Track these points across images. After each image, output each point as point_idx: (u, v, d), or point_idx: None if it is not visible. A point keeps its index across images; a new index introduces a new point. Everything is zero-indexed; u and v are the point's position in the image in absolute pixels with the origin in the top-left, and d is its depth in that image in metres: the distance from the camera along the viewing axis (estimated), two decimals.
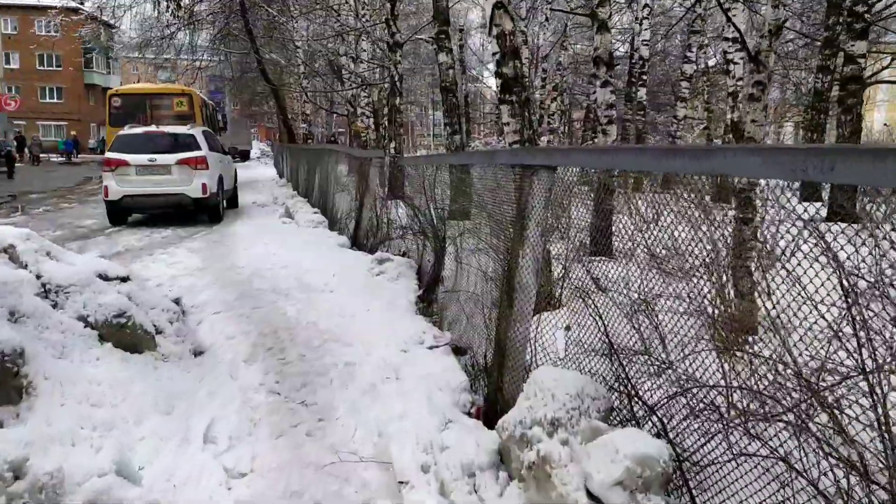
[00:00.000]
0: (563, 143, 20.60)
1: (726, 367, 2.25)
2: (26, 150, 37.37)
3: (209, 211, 12.33)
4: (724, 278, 2.65)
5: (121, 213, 11.94)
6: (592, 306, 2.84)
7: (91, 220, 12.60)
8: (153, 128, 12.28)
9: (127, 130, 12.10)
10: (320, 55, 20.56)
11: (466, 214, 5.49)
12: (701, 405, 2.28)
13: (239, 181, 25.72)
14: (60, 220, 12.72)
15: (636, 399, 2.58)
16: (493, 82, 34.10)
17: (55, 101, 52.57)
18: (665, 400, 2.43)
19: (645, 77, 17.69)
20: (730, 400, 2.24)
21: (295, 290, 6.48)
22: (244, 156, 46.41)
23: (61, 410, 3.15)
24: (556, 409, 2.40)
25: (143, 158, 11.55)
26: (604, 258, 3.09)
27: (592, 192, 3.36)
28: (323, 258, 7.84)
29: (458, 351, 4.74)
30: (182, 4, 15.45)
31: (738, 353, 2.28)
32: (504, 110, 5.65)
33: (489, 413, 3.47)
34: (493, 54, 5.65)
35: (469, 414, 3.63)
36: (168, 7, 14.33)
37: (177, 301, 4.97)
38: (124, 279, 3.94)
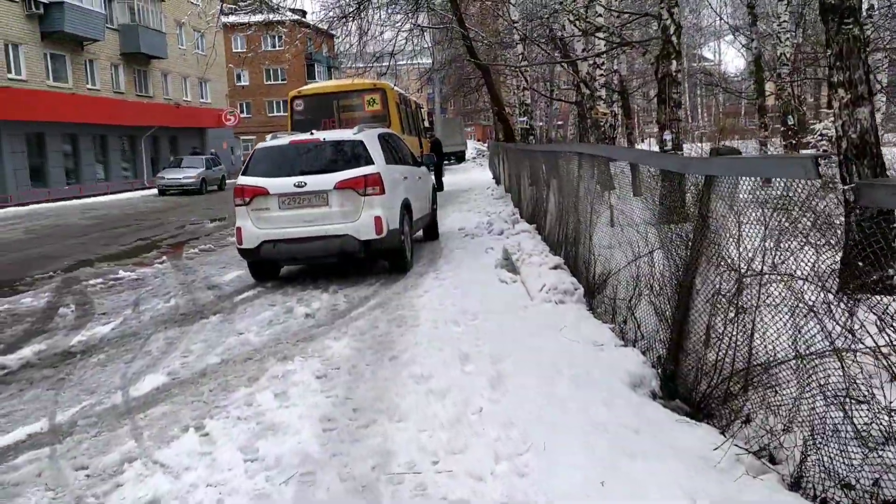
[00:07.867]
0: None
1: None
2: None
3: (389, 257, 7.97)
4: None
5: (263, 266, 8.01)
6: None
7: (238, 270, 8.88)
8: (306, 135, 8.13)
9: (269, 142, 8.10)
10: (540, 23, 15.60)
11: None
12: None
13: (448, 189, 21.68)
14: (199, 272, 9.22)
15: None
16: None
17: (282, 113, 53.99)
18: None
19: None
20: None
21: None
22: (459, 157, 43.39)
23: None
24: None
25: (288, 184, 7.45)
26: None
27: None
28: (616, 482, 2.77)
29: None
30: None
31: None
32: None
33: None
34: None
35: None
36: None
37: None
38: None
